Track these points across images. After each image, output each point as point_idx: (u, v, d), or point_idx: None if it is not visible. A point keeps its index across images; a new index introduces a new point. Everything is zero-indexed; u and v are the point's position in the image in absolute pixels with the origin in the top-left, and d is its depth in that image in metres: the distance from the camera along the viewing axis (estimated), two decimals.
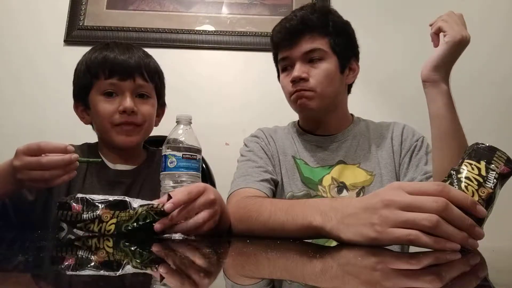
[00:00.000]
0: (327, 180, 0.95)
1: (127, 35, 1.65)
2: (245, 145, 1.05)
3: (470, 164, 0.53)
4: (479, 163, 0.53)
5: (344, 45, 0.98)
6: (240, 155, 1.03)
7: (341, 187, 0.94)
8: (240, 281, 0.36)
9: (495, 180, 0.52)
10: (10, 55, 1.65)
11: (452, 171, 0.55)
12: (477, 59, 1.64)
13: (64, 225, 0.85)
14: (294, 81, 0.94)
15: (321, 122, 1.02)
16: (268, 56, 1.63)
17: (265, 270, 0.43)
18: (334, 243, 0.60)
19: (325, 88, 0.94)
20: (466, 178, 0.52)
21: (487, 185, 0.52)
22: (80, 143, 1.00)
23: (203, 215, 0.65)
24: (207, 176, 1.17)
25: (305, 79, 0.93)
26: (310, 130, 1.05)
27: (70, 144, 0.98)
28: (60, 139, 0.99)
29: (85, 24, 1.66)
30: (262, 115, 1.56)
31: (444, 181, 0.54)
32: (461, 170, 0.54)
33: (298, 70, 0.93)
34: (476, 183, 0.52)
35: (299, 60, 0.95)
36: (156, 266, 0.42)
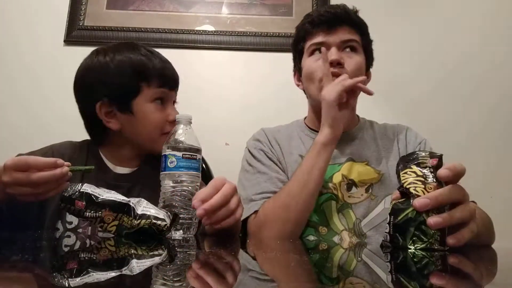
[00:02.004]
0: (337, 178, 0.95)
1: (127, 35, 1.65)
2: (250, 152, 1.02)
3: (406, 172, 0.58)
4: (411, 168, 0.58)
5: (370, 49, 1.03)
6: (247, 162, 1.01)
7: (350, 184, 0.94)
8: (241, 281, 0.36)
9: (432, 174, 0.57)
10: (9, 55, 1.65)
11: (399, 190, 0.58)
12: (484, 62, 1.65)
13: (60, 226, 0.85)
14: (330, 64, 0.93)
15: None
16: (268, 56, 1.66)
17: (265, 270, 0.43)
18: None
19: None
20: (411, 183, 0.56)
21: (429, 181, 0.56)
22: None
23: (237, 214, 0.70)
24: (207, 176, 1.17)
25: (341, 64, 0.94)
26: (318, 128, 1.03)
27: (71, 141, 0.98)
28: (60, 139, 0.99)
29: (85, 24, 1.66)
30: (262, 115, 1.56)
31: (402, 202, 0.56)
32: (403, 182, 0.57)
33: (336, 54, 0.93)
34: (420, 183, 0.56)
35: (335, 46, 0.95)
36: (157, 266, 0.42)
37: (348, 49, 0.97)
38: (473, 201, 0.85)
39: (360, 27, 1.00)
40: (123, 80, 0.89)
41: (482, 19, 1.70)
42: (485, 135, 1.59)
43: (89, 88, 0.92)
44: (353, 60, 0.96)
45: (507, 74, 1.64)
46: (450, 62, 1.65)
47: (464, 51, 1.66)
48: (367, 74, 1.03)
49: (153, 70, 0.90)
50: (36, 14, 1.68)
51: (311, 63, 0.98)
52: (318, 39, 0.97)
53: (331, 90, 0.87)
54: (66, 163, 0.69)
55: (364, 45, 1.00)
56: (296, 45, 1.05)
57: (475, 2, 1.71)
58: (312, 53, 0.99)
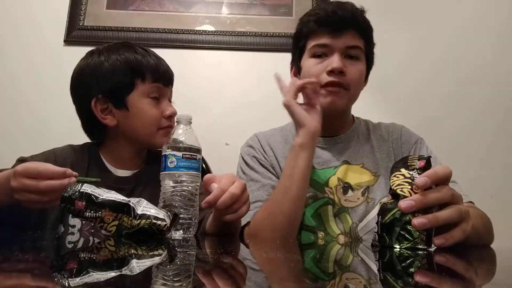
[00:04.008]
0: (333, 181, 0.93)
1: (127, 35, 1.65)
2: (243, 159, 1.00)
3: (395, 175, 0.61)
4: (400, 171, 0.60)
5: (372, 54, 0.99)
6: (241, 169, 0.99)
7: (347, 187, 0.93)
8: (241, 281, 0.36)
9: (419, 175, 0.58)
10: (10, 55, 1.65)
11: (390, 193, 0.60)
12: (476, 58, 1.66)
13: (62, 229, 0.85)
14: (332, 72, 0.90)
15: (329, 123, 0.93)
16: (269, 56, 1.66)
17: (266, 270, 0.43)
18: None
19: (356, 89, 0.94)
20: (398, 185, 0.58)
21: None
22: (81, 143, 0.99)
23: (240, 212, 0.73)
24: None
25: (343, 73, 0.90)
26: None
27: (71, 145, 0.98)
28: (60, 139, 1.00)
29: (85, 24, 1.66)
30: (262, 115, 1.55)
31: (390, 203, 0.58)
32: (391, 184, 0.60)
33: (339, 61, 0.89)
34: (407, 184, 0.58)
35: (339, 52, 0.91)
36: (157, 266, 0.43)
37: (351, 55, 0.93)
38: (470, 201, 0.85)
39: (366, 32, 0.95)
40: (117, 76, 0.91)
41: (472, 19, 1.71)
42: (484, 135, 1.59)
43: (84, 86, 0.93)
44: (355, 68, 0.92)
45: (498, 72, 1.65)
46: (446, 61, 1.66)
47: (455, 50, 1.67)
48: (366, 80, 1.00)
49: (148, 66, 0.92)
50: (37, 14, 1.68)
51: (311, 66, 0.94)
52: (322, 40, 0.92)
53: (285, 94, 0.89)
54: (74, 173, 0.69)
55: (367, 51, 0.95)
56: (297, 41, 0.99)
57: (465, 3, 1.72)
58: (314, 55, 0.94)
